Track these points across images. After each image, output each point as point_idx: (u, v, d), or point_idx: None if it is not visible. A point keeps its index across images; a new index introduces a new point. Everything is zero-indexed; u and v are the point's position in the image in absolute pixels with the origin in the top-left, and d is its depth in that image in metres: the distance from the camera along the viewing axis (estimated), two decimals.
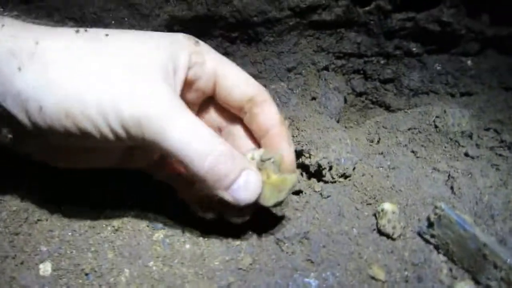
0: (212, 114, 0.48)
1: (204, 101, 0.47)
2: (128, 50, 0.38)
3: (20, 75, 0.35)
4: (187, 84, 0.42)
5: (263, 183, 0.40)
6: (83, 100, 0.35)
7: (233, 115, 0.47)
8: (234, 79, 0.44)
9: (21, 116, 0.36)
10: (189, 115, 0.37)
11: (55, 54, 0.36)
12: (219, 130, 0.48)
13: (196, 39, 0.44)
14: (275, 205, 0.42)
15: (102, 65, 0.37)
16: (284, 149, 0.44)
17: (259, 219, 0.47)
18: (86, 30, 0.39)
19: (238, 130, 0.47)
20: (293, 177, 0.42)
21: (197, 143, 0.37)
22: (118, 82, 0.36)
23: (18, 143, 0.40)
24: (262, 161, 0.42)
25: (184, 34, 0.43)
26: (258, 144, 0.46)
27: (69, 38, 0.37)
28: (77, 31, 0.38)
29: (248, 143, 0.47)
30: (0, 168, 0.48)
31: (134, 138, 0.37)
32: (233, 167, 0.38)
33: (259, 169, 0.41)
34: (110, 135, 0.37)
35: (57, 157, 0.43)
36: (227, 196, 0.39)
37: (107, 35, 0.39)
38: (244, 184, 0.39)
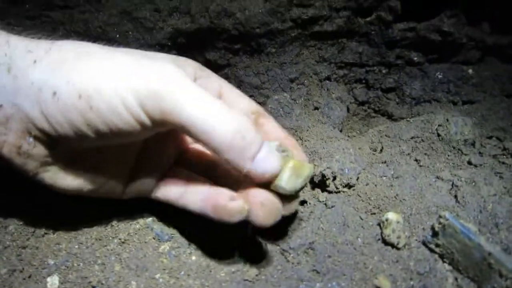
0: None
1: None
2: (137, 54, 0.40)
3: (34, 67, 0.35)
4: None
5: (281, 168, 0.39)
6: (97, 78, 0.35)
7: None
8: (237, 96, 0.46)
9: (34, 110, 0.35)
10: (203, 90, 0.36)
11: (70, 47, 0.36)
12: None
13: (200, 64, 0.45)
14: (292, 193, 0.40)
15: (114, 54, 0.37)
16: (297, 148, 0.44)
17: (264, 230, 0.48)
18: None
19: None
20: (311, 166, 0.41)
21: (217, 110, 0.35)
22: (131, 62, 0.36)
23: (26, 156, 0.38)
24: (282, 151, 0.40)
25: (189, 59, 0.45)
26: None
27: (82, 41, 0.38)
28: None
29: None
30: (7, 181, 0.49)
31: (151, 115, 0.35)
32: (256, 136, 0.37)
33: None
34: (126, 115, 0.35)
35: (61, 181, 0.41)
36: (254, 167, 0.37)
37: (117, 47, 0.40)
38: (267, 154, 0.37)
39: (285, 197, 0.40)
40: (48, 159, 0.39)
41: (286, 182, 0.39)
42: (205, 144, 0.36)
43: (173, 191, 0.44)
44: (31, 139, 0.37)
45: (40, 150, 0.38)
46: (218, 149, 0.35)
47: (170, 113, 0.34)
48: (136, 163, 0.44)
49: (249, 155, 0.36)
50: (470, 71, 0.76)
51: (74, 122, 0.35)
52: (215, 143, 0.35)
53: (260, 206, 0.38)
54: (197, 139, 0.36)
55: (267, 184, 0.39)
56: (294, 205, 0.43)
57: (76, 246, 0.45)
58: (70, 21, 0.65)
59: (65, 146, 0.38)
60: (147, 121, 0.35)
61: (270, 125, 0.45)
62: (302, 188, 0.40)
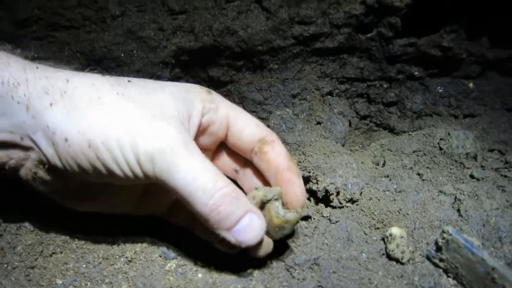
0: (226, 159, 0.51)
1: (218, 147, 0.50)
2: (147, 95, 0.41)
3: (50, 110, 0.38)
4: (202, 130, 0.46)
5: (267, 223, 0.42)
6: (104, 132, 0.38)
7: (244, 158, 0.50)
8: (245, 122, 0.47)
9: (48, 149, 0.39)
10: (198, 156, 0.39)
11: (82, 90, 0.39)
12: (235, 172, 0.51)
13: (208, 89, 0.47)
14: (281, 238, 0.45)
15: (123, 105, 0.40)
16: (294, 182, 0.46)
17: None
18: (110, 76, 0.43)
19: (248, 172, 0.50)
20: (296, 216, 0.43)
21: (202, 181, 0.38)
22: (136, 120, 0.39)
23: (41, 181, 0.42)
24: (266, 202, 0.43)
25: (197, 85, 0.47)
26: (269, 184, 0.47)
27: (95, 78, 0.41)
28: (103, 75, 0.42)
29: (259, 184, 0.49)
30: (15, 202, 0.49)
31: (146, 174, 0.39)
32: (236, 208, 0.40)
33: (262, 208, 0.43)
34: (127, 169, 0.39)
35: (76, 200, 0.45)
36: (229, 237, 0.40)
37: (129, 81, 0.42)
38: (246, 227, 0.40)
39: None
40: (60, 187, 0.43)
41: (272, 236, 0.44)
42: (190, 209, 0.40)
43: (183, 219, 0.48)
44: (47, 167, 0.41)
45: (53, 179, 0.41)
46: (199, 217, 0.40)
47: (161, 178, 0.38)
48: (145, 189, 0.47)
49: (224, 227, 0.40)
50: (471, 85, 0.77)
51: (82, 166, 0.39)
52: (196, 212, 0.39)
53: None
54: (184, 204, 0.40)
55: None
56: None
57: (84, 266, 0.45)
58: (75, 42, 0.66)
59: (76, 179, 0.41)
60: (142, 177, 0.39)
61: (274, 153, 0.47)
62: (289, 233, 0.45)
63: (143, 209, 0.48)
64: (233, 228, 0.40)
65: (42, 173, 0.41)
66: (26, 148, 0.40)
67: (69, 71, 0.42)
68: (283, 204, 0.44)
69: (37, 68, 0.40)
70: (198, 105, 0.44)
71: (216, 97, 0.47)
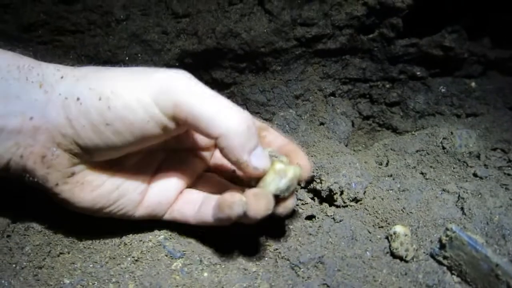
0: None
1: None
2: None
3: (62, 81, 0.40)
4: None
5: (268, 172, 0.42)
6: (114, 82, 0.39)
7: None
8: None
9: (60, 118, 0.39)
10: (212, 90, 0.40)
11: (90, 67, 0.42)
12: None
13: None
14: (278, 193, 0.43)
15: (131, 69, 0.41)
16: (298, 152, 0.47)
17: (274, 244, 0.49)
18: None
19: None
20: (296, 169, 0.44)
21: (226, 104, 0.39)
22: (145, 70, 0.40)
23: (49, 166, 0.41)
24: (270, 156, 0.44)
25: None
26: None
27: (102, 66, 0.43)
28: None
29: None
30: (22, 203, 0.50)
31: (165, 110, 0.38)
32: (256, 133, 0.40)
33: None
34: (141, 112, 0.38)
35: (81, 202, 0.44)
36: (250, 159, 0.40)
37: None
38: (260, 153, 0.41)
39: (277, 198, 0.43)
40: (69, 170, 0.42)
41: (268, 184, 0.42)
42: (212, 134, 0.38)
43: (189, 209, 0.47)
44: (55, 149, 0.41)
45: (62, 160, 0.41)
46: (224, 137, 0.38)
47: (182, 106, 0.37)
48: (151, 182, 0.47)
49: (248, 148, 0.39)
50: (473, 84, 0.77)
51: (95, 122, 0.38)
52: (223, 130, 0.38)
53: (253, 196, 0.41)
54: (207, 131, 0.38)
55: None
56: (289, 204, 0.45)
57: (91, 265, 0.46)
58: (81, 45, 0.67)
59: (86, 156, 0.42)
60: (161, 116, 0.38)
61: (272, 136, 0.49)
62: (287, 189, 0.43)
63: (145, 207, 0.47)
64: (253, 152, 0.40)
65: (50, 155, 0.40)
66: (34, 130, 0.40)
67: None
68: None
69: (49, 62, 0.43)
70: None
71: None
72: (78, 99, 0.39)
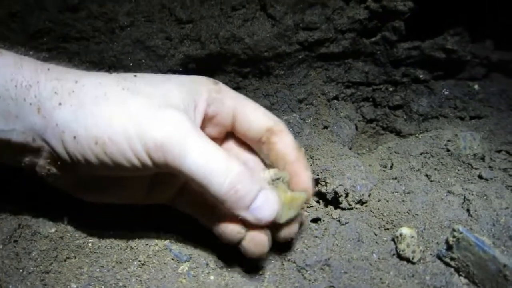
0: (233, 148, 0.51)
1: (224, 137, 0.50)
2: (153, 87, 0.42)
3: (59, 109, 0.39)
4: (208, 119, 0.46)
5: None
6: (110, 127, 0.39)
7: (251, 149, 0.50)
8: (253, 112, 0.48)
9: (58, 147, 0.40)
10: (206, 140, 0.40)
11: (89, 89, 0.40)
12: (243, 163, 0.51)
13: (215, 80, 0.47)
14: (287, 222, 0.44)
15: (129, 98, 0.40)
16: (301, 172, 0.46)
17: (279, 247, 0.49)
18: (117, 73, 0.44)
19: (256, 162, 0.50)
20: (303, 195, 0.44)
21: (216, 163, 0.39)
22: (142, 111, 0.39)
23: (55, 177, 0.43)
24: (273, 180, 0.44)
25: (204, 76, 0.47)
26: None
27: (102, 76, 0.42)
28: (110, 73, 0.43)
29: None
30: (28, 209, 0.50)
31: (156, 163, 0.39)
32: (251, 186, 0.40)
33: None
34: (135, 161, 0.39)
35: (89, 192, 0.46)
36: (248, 215, 0.40)
37: (135, 75, 0.43)
38: (263, 203, 0.40)
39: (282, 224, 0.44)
40: (72, 181, 0.44)
41: (280, 217, 0.42)
42: (204, 193, 0.40)
43: (189, 206, 0.48)
44: (58, 165, 0.42)
45: (65, 174, 0.43)
46: (215, 199, 0.40)
47: (173, 164, 0.38)
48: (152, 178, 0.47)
49: (243, 206, 0.40)
50: (476, 86, 0.77)
51: (91, 161, 0.40)
52: (212, 194, 0.39)
53: (252, 241, 0.42)
54: (197, 189, 0.40)
55: None
56: (294, 228, 0.46)
57: (98, 270, 0.46)
58: (85, 52, 0.68)
59: (87, 173, 0.43)
60: (152, 166, 0.40)
61: (281, 144, 0.47)
62: (296, 216, 0.44)
63: (150, 198, 0.48)
64: (251, 206, 0.40)
65: (54, 170, 0.42)
66: (37, 148, 0.41)
67: (80, 71, 0.43)
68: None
69: (48, 69, 0.41)
70: (204, 95, 0.45)
71: (223, 87, 0.47)
72: (74, 137, 0.39)
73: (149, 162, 0.39)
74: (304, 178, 0.46)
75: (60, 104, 0.39)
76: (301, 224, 0.49)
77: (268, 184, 0.43)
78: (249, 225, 0.42)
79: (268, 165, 0.49)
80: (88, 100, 0.40)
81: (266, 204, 0.41)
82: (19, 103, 0.39)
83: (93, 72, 0.43)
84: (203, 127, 0.45)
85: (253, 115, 0.47)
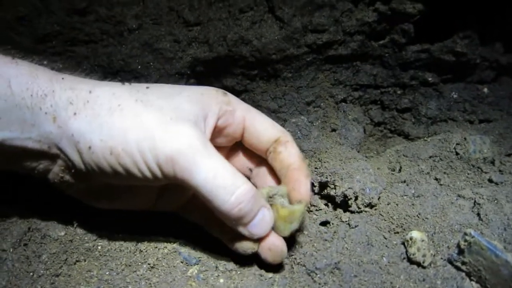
0: (242, 157, 0.53)
1: (233, 146, 0.52)
2: (165, 100, 0.43)
3: (75, 119, 0.40)
4: (218, 130, 0.47)
5: (275, 218, 0.44)
6: (125, 138, 0.40)
7: (259, 157, 0.52)
8: (262, 124, 0.50)
9: (74, 155, 0.41)
10: (216, 155, 0.41)
11: (104, 100, 0.41)
12: (250, 171, 0.53)
13: (224, 91, 0.49)
14: (291, 234, 0.45)
15: (142, 111, 0.41)
16: (301, 181, 0.48)
17: (289, 250, 0.48)
18: (130, 84, 0.44)
19: (263, 171, 0.52)
20: (300, 207, 0.45)
21: (223, 179, 0.40)
22: (154, 125, 0.40)
23: (67, 184, 0.44)
24: (270, 197, 0.45)
25: (213, 88, 0.48)
26: (279, 181, 0.50)
27: (115, 87, 0.43)
28: (123, 83, 0.44)
29: (272, 182, 0.51)
30: (39, 213, 0.50)
31: (166, 175, 0.40)
32: (254, 205, 0.42)
33: (270, 204, 0.45)
34: (147, 172, 0.40)
35: (100, 198, 0.47)
36: (245, 231, 0.43)
37: (147, 87, 0.44)
38: (259, 221, 0.43)
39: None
40: (85, 189, 0.45)
41: (282, 232, 0.45)
42: (209, 206, 0.41)
43: (197, 215, 0.50)
44: (71, 173, 0.43)
45: (78, 182, 0.44)
46: (218, 213, 0.41)
47: (181, 177, 0.40)
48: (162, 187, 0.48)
49: (244, 223, 0.42)
50: (486, 90, 0.77)
51: (105, 171, 0.41)
52: (217, 210, 0.41)
53: (268, 250, 0.45)
54: (203, 201, 0.41)
55: None
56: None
57: (107, 273, 0.46)
58: (94, 55, 0.68)
59: (100, 181, 0.44)
60: (162, 178, 0.41)
61: (286, 153, 0.49)
62: (299, 227, 0.46)
63: (160, 206, 0.49)
64: (250, 223, 0.42)
65: (68, 177, 0.44)
66: (53, 156, 0.42)
67: (93, 81, 0.44)
68: (290, 203, 0.47)
69: (62, 79, 0.42)
70: (214, 108, 0.46)
71: (232, 99, 0.49)
72: (90, 148, 0.40)
73: (159, 174, 0.40)
74: (303, 185, 0.48)
75: (75, 114, 0.40)
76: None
77: (266, 199, 0.45)
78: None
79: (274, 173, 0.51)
80: (103, 111, 0.41)
81: (262, 222, 0.43)
82: (35, 112, 0.40)
83: (106, 82, 0.45)
84: (213, 138, 0.47)
85: (262, 127, 0.49)
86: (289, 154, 0.49)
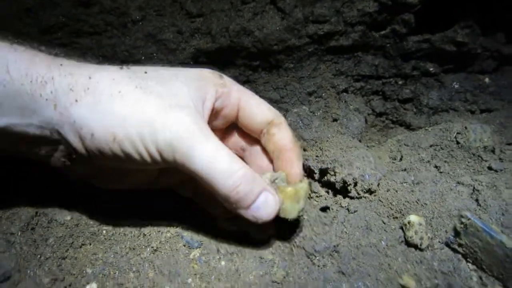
0: (236, 137, 0.54)
1: (228, 126, 0.53)
2: (163, 86, 0.43)
3: (76, 106, 0.41)
4: (215, 113, 0.48)
5: (281, 201, 0.44)
6: (126, 125, 0.40)
7: (253, 137, 0.53)
8: (256, 106, 0.50)
9: (76, 142, 0.42)
10: (214, 140, 0.42)
11: (104, 86, 0.41)
12: (242, 150, 0.54)
13: (220, 73, 0.49)
14: (299, 215, 0.46)
15: (142, 98, 0.42)
16: (294, 162, 0.49)
17: (289, 234, 0.50)
18: (128, 68, 0.45)
19: (257, 150, 0.53)
20: (304, 185, 0.46)
21: (220, 164, 0.41)
22: (154, 111, 0.41)
23: (70, 167, 0.45)
24: (272, 182, 0.46)
25: (209, 70, 0.49)
26: (272, 161, 0.51)
27: (115, 72, 0.43)
28: (121, 68, 0.44)
29: (266, 161, 0.52)
30: (45, 198, 0.52)
31: (166, 160, 0.41)
32: (253, 187, 0.42)
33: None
34: (147, 157, 0.41)
35: (102, 179, 0.48)
36: (247, 214, 0.43)
37: (146, 72, 0.45)
38: (263, 204, 0.43)
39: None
40: (87, 172, 0.46)
41: (290, 213, 0.45)
42: (208, 189, 0.42)
43: (192, 192, 0.51)
44: (73, 158, 0.44)
45: (80, 166, 0.45)
46: (218, 196, 0.42)
47: (181, 162, 0.41)
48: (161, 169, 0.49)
49: (243, 205, 0.42)
50: (487, 80, 0.77)
51: (107, 156, 0.42)
52: (216, 191, 0.42)
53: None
54: (202, 184, 0.42)
55: None
56: None
57: (112, 256, 0.47)
58: (98, 47, 0.69)
59: (102, 165, 0.45)
60: (162, 163, 0.42)
61: (280, 135, 0.50)
62: (305, 206, 0.47)
63: (158, 184, 0.51)
64: (251, 206, 0.42)
65: (69, 162, 0.45)
66: (54, 141, 0.43)
67: (91, 65, 0.44)
68: None
69: (61, 65, 0.42)
70: (211, 91, 0.46)
71: (227, 81, 0.49)
72: (92, 134, 0.41)
73: (159, 159, 0.41)
74: (295, 166, 0.49)
75: (76, 100, 0.41)
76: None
77: (269, 184, 0.45)
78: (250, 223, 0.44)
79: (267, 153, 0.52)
80: (104, 98, 0.41)
81: (265, 205, 0.43)
82: (36, 98, 0.40)
83: (104, 66, 0.45)
84: (210, 120, 0.47)
85: (257, 108, 0.50)
86: (282, 136, 0.50)
